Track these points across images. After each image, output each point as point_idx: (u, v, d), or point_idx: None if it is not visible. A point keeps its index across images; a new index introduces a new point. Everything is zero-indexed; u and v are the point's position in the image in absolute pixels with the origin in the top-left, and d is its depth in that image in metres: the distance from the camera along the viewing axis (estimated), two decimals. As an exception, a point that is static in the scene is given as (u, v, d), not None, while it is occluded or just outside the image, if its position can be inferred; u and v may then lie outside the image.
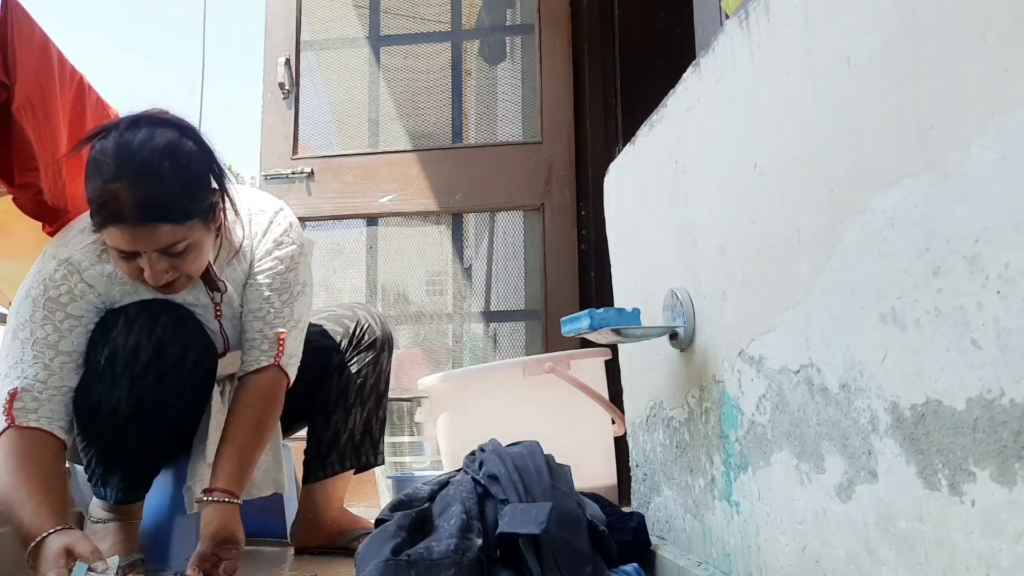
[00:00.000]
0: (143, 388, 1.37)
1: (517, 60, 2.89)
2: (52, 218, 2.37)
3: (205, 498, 1.30)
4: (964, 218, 0.58)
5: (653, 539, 1.27)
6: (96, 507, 1.47)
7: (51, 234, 2.41)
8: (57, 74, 2.37)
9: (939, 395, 0.61)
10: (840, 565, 0.76)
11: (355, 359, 1.68)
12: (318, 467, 1.64)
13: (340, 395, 1.66)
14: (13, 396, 1.28)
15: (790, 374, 0.84)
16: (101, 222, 1.23)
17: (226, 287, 1.44)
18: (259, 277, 1.46)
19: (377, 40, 2.89)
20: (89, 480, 1.44)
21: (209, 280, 1.43)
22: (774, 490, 0.89)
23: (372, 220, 2.77)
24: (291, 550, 1.74)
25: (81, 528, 1.51)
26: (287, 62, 2.78)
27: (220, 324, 1.49)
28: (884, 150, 0.67)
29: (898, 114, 0.65)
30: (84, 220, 1.40)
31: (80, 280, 1.34)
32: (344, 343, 1.68)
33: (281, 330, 1.46)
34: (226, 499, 1.30)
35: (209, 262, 1.40)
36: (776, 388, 0.87)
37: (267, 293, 1.45)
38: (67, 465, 1.59)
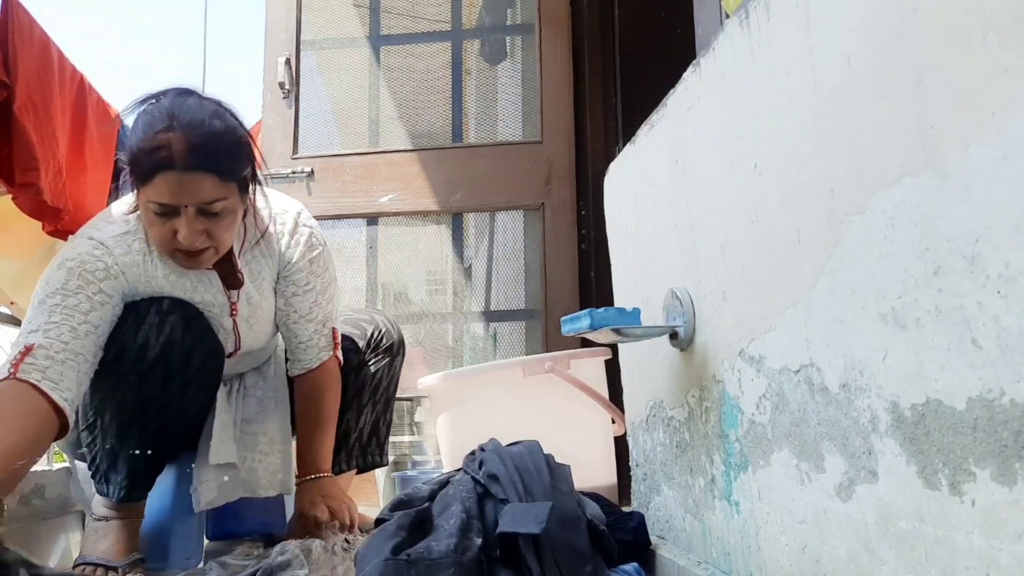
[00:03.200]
0: (149, 385, 1.38)
1: (517, 60, 2.89)
2: (52, 218, 2.37)
3: (304, 478, 1.56)
4: (964, 218, 0.58)
5: (653, 539, 1.27)
6: (98, 505, 1.47)
7: (51, 234, 2.41)
8: (58, 74, 2.37)
9: (939, 395, 0.61)
10: (840, 565, 0.76)
11: (372, 361, 1.72)
12: (324, 465, 1.65)
13: (355, 395, 1.70)
14: (28, 350, 1.22)
15: (790, 374, 0.84)
16: (149, 171, 1.25)
17: (243, 279, 1.46)
18: (303, 285, 1.54)
19: (377, 40, 2.88)
20: (92, 476, 1.45)
21: (227, 274, 1.44)
22: (774, 490, 0.89)
23: (372, 220, 2.77)
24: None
25: (82, 526, 1.51)
26: (287, 62, 2.78)
27: (234, 323, 1.50)
28: (884, 150, 0.67)
29: (898, 114, 0.65)
30: (112, 212, 1.42)
31: (115, 262, 1.36)
32: (363, 345, 1.72)
33: (333, 326, 1.62)
34: (313, 476, 1.56)
35: (232, 251, 1.42)
36: (776, 388, 0.87)
37: (314, 297, 1.56)
38: (67, 463, 1.60)
